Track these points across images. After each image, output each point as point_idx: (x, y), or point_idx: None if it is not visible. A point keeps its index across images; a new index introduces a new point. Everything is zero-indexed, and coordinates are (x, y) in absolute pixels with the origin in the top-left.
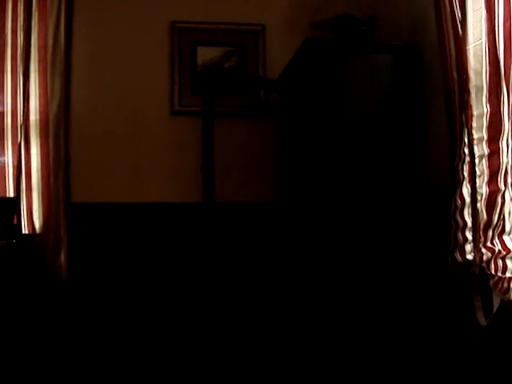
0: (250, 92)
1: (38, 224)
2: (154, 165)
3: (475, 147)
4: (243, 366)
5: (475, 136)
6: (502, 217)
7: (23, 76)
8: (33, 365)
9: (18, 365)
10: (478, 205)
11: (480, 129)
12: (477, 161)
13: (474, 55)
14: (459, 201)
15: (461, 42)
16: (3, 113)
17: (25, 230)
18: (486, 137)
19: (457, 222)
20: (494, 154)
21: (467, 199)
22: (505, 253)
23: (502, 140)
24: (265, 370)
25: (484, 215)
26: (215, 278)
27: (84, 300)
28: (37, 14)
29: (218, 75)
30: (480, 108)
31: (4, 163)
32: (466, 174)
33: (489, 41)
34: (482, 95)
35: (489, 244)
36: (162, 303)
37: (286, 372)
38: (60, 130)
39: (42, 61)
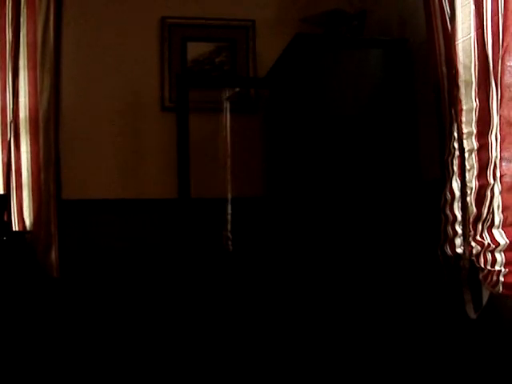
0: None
1: (28, 221)
2: (144, 161)
3: (465, 141)
4: (235, 367)
5: (465, 130)
6: (491, 210)
7: (12, 73)
8: (24, 362)
9: (8, 362)
10: (468, 199)
11: (469, 123)
12: (466, 155)
13: (462, 50)
14: (449, 195)
15: (450, 36)
16: None
17: (15, 227)
18: (475, 131)
19: (447, 216)
20: (483, 148)
21: (457, 193)
22: (494, 246)
23: (490, 134)
24: (252, 370)
25: (474, 209)
26: (208, 275)
27: (76, 297)
28: (26, 11)
29: (193, 79)
30: (469, 102)
31: None
32: (455, 168)
33: (477, 36)
34: (470, 90)
35: (478, 237)
36: (154, 299)
37: (275, 372)
38: (50, 127)
39: (31, 58)
